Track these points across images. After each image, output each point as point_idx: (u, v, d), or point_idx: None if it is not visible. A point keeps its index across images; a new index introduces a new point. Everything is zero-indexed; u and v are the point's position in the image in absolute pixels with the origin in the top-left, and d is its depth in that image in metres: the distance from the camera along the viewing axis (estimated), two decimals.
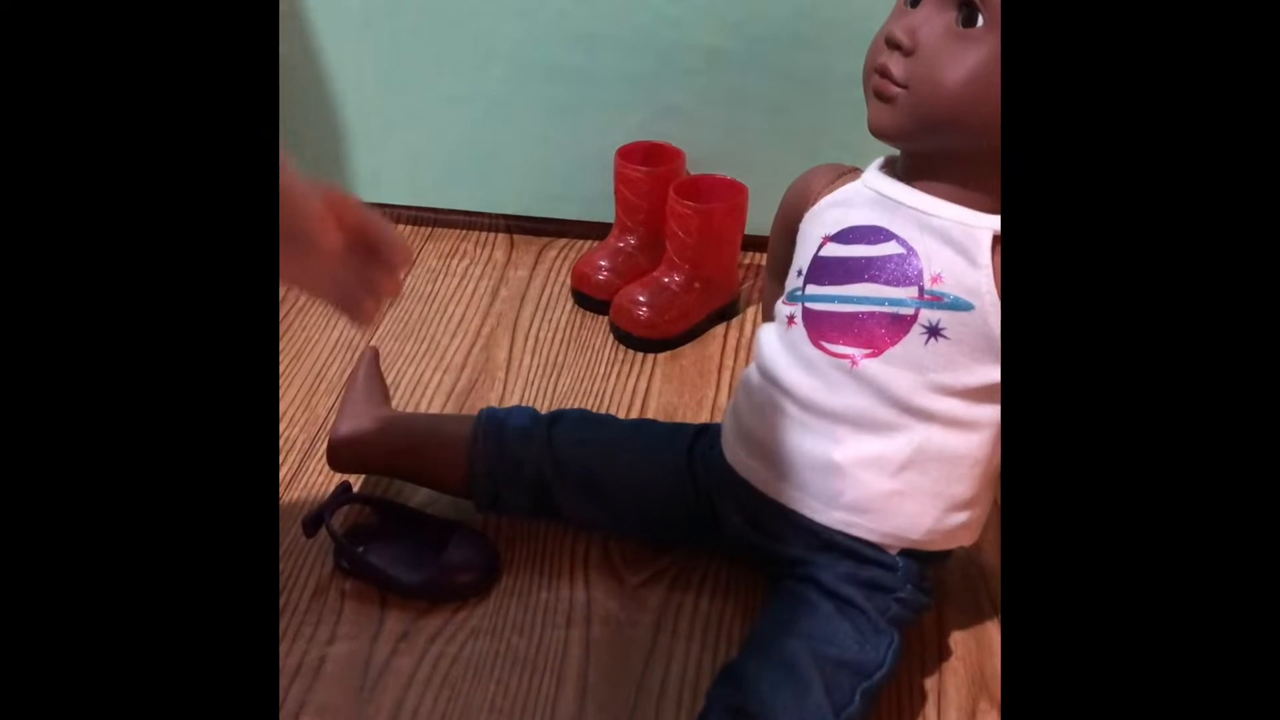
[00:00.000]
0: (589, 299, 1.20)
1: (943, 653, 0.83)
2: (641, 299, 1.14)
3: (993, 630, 0.84)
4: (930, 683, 0.80)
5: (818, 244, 0.78)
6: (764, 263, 1.25)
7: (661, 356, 1.14)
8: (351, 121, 1.29)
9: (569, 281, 1.23)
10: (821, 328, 0.76)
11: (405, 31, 1.22)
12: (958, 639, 0.84)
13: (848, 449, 0.74)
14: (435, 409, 1.05)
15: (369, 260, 0.64)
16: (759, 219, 1.14)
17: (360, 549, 0.87)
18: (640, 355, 1.14)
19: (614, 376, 1.11)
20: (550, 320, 1.19)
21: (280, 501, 0.94)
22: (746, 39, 1.16)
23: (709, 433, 0.88)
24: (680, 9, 1.15)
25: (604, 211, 1.25)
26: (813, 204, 0.81)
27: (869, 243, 0.75)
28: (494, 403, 1.06)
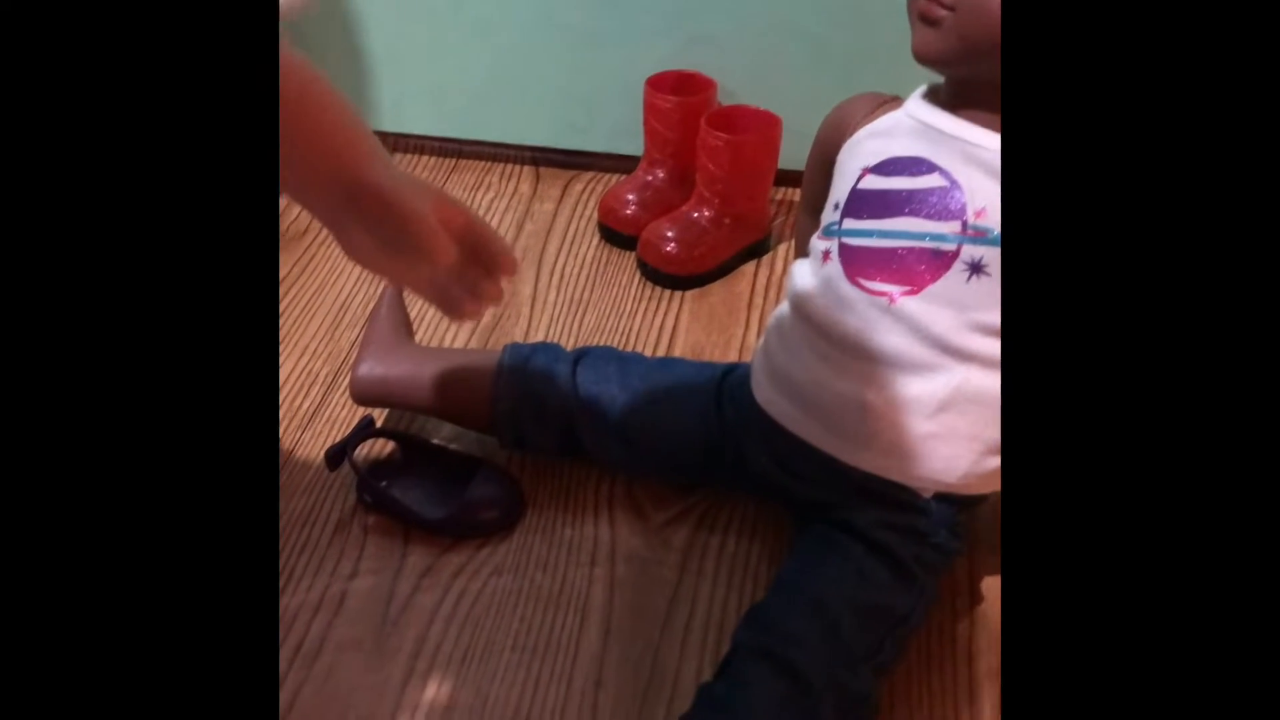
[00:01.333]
0: (616, 234, 1.17)
1: (974, 599, 0.81)
2: (670, 234, 1.11)
3: None
4: (961, 629, 0.79)
5: (856, 176, 0.75)
6: (797, 198, 1.22)
7: (689, 294, 1.11)
8: (376, 49, 1.26)
9: (595, 216, 1.20)
10: (859, 264, 0.73)
11: None
12: (989, 585, 0.82)
13: (883, 390, 0.72)
14: (459, 344, 1.04)
15: (472, 262, 0.63)
16: (792, 152, 1.11)
17: (383, 484, 0.86)
18: (667, 292, 1.11)
19: (640, 313, 1.09)
20: (576, 255, 1.17)
21: (303, 435, 0.93)
22: None
23: (738, 372, 0.85)
24: None
25: (632, 144, 1.22)
26: (851, 134, 0.78)
27: (910, 174, 0.72)
28: (518, 338, 1.04)
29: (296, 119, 0.55)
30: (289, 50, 0.58)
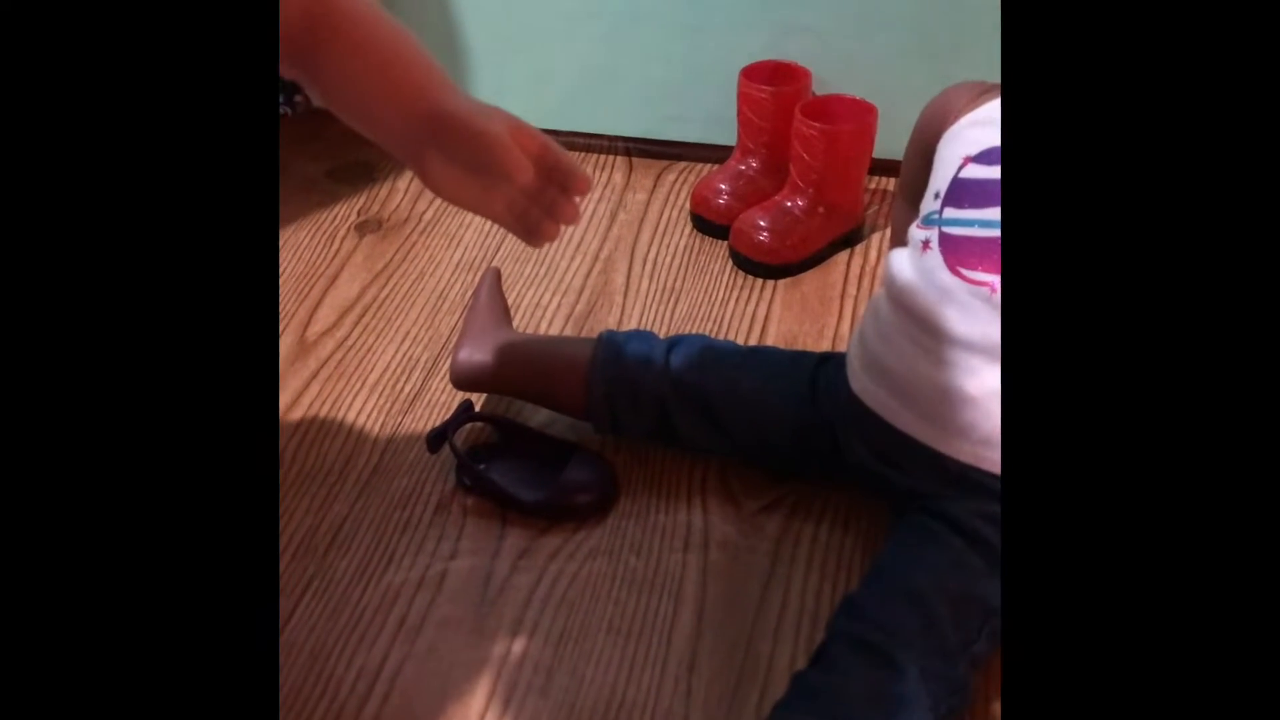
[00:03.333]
0: (708, 223, 1.18)
1: None
2: (762, 223, 1.11)
3: None
4: None
5: (957, 165, 0.74)
6: (892, 187, 1.21)
7: (782, 283, 1.11)
8: (474, 40, 1.28)
9: (688, 205, 1.21)
10: (959, 253, 0.72)
11: None
12: None
13: (983, 380, 0.71)
14: (554, 332, 1.06)
15: (547, 184, 0.64)
16: (887, 142, 1.10)
17: (481, 466, 0.89)
18: (760, 281, 1.11)
19: (733, 302, 1.09)
20: (669, 245, 1.18)
21: (404, 418, 0.96)
22: None
23: (832, 361, 0.85)
24: None
25: (724, 134, 1.22)
26: (952, 123, 0.77)
27: None
28: (612, 326, 1.05)
29: (373, 55, 0.58)
30: None
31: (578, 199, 0.66)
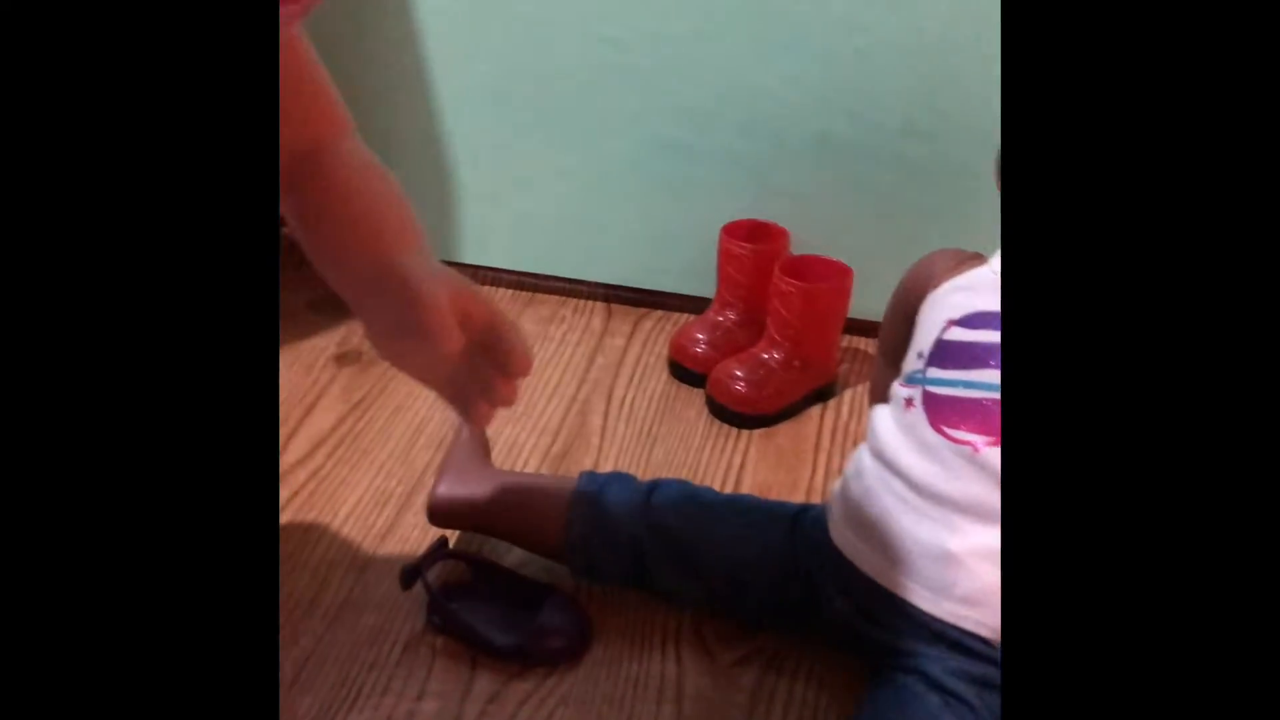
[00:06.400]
0: (685, 371, 1.20)
1: None
2: (739, 373, 1.13)
3: None
4: None
5: (941, 327, 0.77)
6: (865, 347, 1.25)
7: (757, 433, 1.13)
8: (464, 185, 1.32)
9: (665, 352, 1.23)
10: (943, 412, 0.74)
11: (523, 102, 1.25)
12: None
13: (965, 538, 0.72)
14: (530, 470, 1.05)
15: (488, 361, 0.61)
16: (862, 303, 1.14)
17: (454, 605, 0.87)
18: (735, 431, 1.13)
19: (708, 450, 1.10)
20: (645, 390, 1.19)
21: (376, 553, 0.94)
22: (859, 125, 1.17)
23: (812, 512, 0.86)
24: (793, 92, 1.17)
25: (703, 286, 1.26)
26: (935, 287, 0.80)
27: (995, 328, 0.74)
28: (588, 468, 1.05)
29: (352, 205, 0.59)
30: (348, 145, 0.60)
31: (518, 381, 0.62)
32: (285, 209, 0.62)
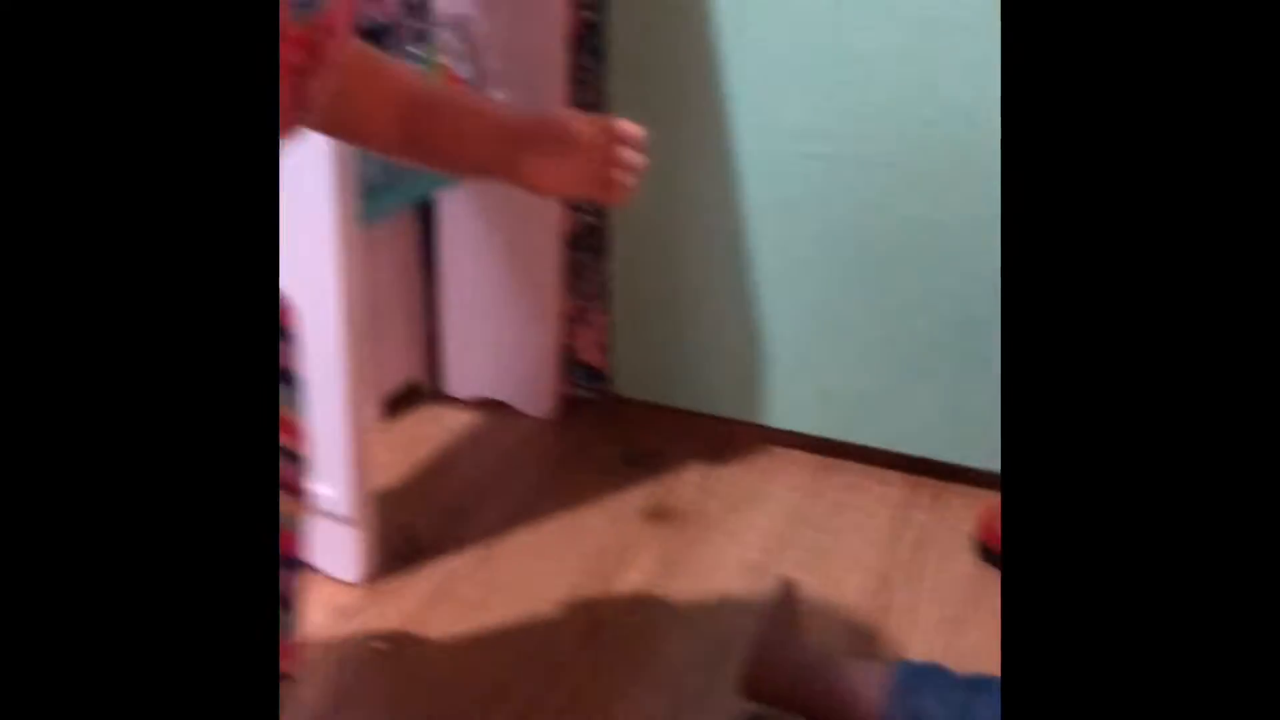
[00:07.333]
0: (995, 554, 1.17)
1: None
2: None
3: None
4: None
5: None
6: None
7: None
8: (774, 354, 1.37)
9: (972, 531, 1.21)
10: None
11: (837, 273, 1.29)
12: None
13: None
14: (832, 642, 1.05)
15: (611, 147, 0.76)
16: None
17: None
18: None
19: None
20: (951, 569, 1.17)
21: (681, 716, 0.97)
22: None
23: None
24: None
25: None
26: None
27: None
28: (893, 648, 1.04)
29: (464, 120, 0.75)
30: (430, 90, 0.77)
31: (637, 155, 0.77)
32: (418, 150, 0.77)
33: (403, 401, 1.44)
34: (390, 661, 1.04)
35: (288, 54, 0.54)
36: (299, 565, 0.65)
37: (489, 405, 1.45)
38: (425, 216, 1.41)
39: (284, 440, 0.61)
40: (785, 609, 0.99)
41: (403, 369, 1.45)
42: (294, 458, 0.63)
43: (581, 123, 0.75)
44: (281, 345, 0.61)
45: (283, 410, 0.61)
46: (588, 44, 1.31)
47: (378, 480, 1.23)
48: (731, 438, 1.40)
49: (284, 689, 0.63)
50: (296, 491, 0.64)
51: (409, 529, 1.21)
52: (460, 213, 1.38)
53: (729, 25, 1.27)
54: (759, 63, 1.27)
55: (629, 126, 0.77)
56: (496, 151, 0.75)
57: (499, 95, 1.28)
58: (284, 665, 0.62)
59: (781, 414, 1.39)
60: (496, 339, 1.42)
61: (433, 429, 1.41)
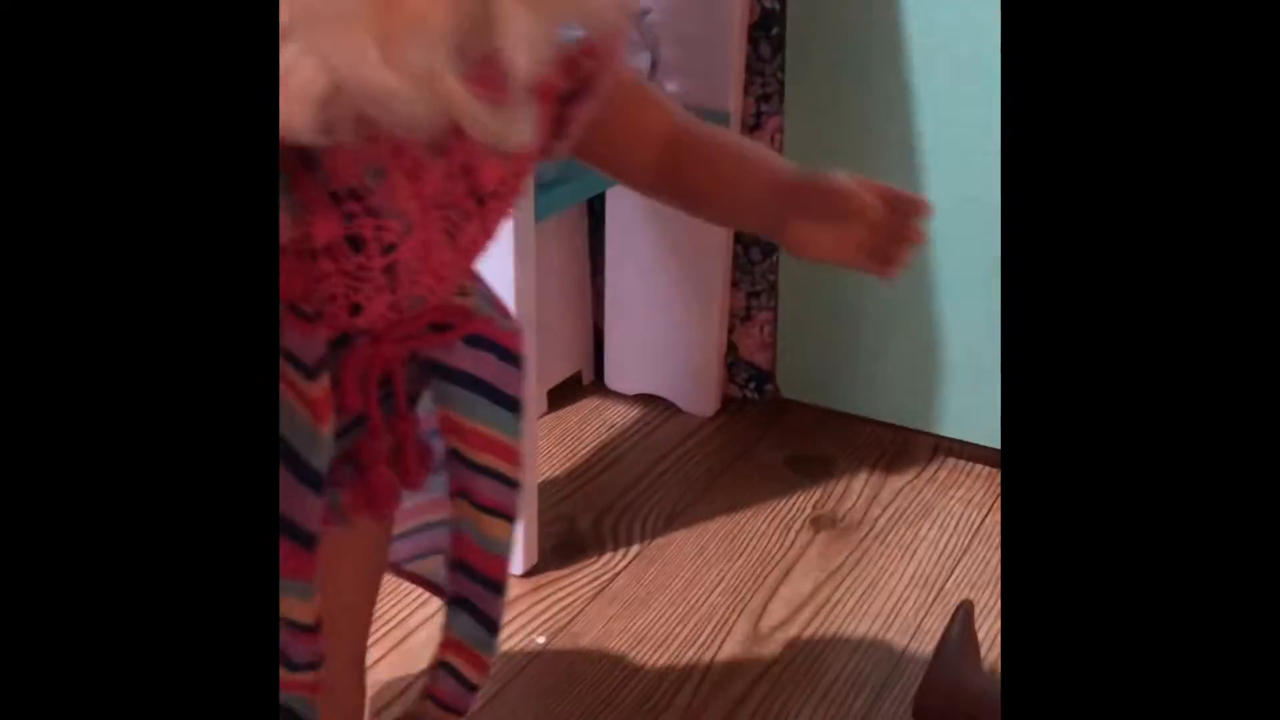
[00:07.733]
0: None
1: None
2: None
3: None
4: None
5: None
6: None
7: None
8: (951, 361, 1.31)
9: None
10: None
11: None
12: None
13: None
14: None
15: (894, 220, 0.69)
16: None
17: None
18: None
19: None
20: None
21: None
22: None
23: None
24: None
25: None
26: None
27: None
28: None
29: (729, 160, 0.70)
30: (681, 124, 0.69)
31: (922, 229, 0.70)
32: (674, 189, 0.72)
33: (565, 394, 1.44)
34: (547, 657, 1.04)
35: (549, 76, 0.52)
36: (503, 589, 0.65)
37: (650, 401, 1.43)
38: (592, 210, 1.40)
39: (504, 467, 0.62)
40: (964, 633, 0.94)
41: (566, 362, 1.45)
42: (510, 484, 0.63)
43: (866, 191, 0.68)
44: (512, 372, 0.62)
45: (505, 438, 0.62)
46: (766, 33, 1.28)
47: (540, 473, 1.23)
48: (903, 446, 1.34)
49: (469, 700, 0.65)
50: (511, 517, 0.64)
51: (570, 523, 1.21)
52: (628, 206, 1.36)
53: (915, 17, 1.21)
54: (946, 57, 1.21)
55: (916, 199, 0.70)
56: (763, 207, 0.70)
57: (672, 86, 1.26)
58: (476, 678, 0.65)
59: (957, 423, 1.32)
60: (661, 334, 1.40)
61: (594, 423, 1.40)
